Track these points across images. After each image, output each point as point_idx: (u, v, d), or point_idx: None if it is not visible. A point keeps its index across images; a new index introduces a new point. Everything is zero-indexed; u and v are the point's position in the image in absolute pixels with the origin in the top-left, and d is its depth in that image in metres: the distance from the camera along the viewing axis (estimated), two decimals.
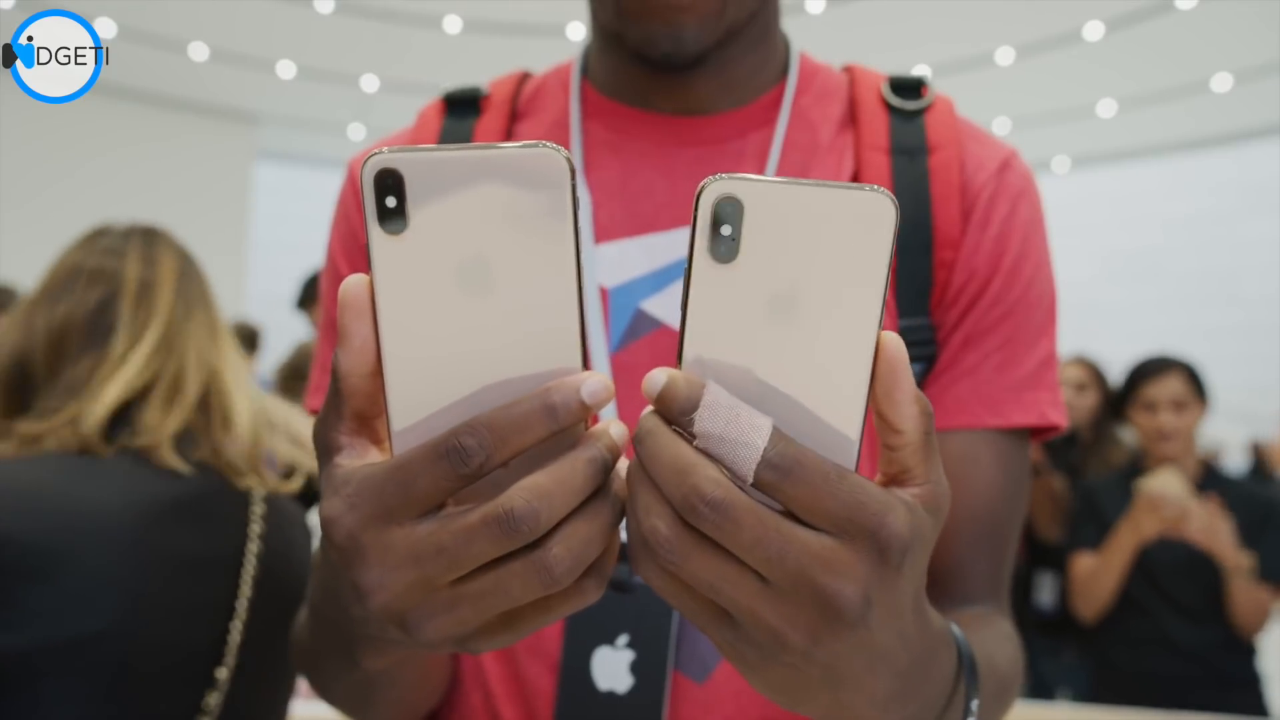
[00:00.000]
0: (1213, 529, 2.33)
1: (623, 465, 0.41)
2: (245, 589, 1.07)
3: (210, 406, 1.13)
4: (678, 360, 0.39)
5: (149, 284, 1.14)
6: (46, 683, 0.94)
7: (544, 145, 0.37)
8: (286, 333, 4.86)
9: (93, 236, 1.18)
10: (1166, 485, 2.36)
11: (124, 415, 1.07)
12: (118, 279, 1.13)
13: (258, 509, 1.11)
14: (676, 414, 0.37)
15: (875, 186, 0.37)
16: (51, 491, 0.97)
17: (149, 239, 1.19)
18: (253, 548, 1.09)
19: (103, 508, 0.98)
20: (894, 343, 0.38)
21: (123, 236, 1.18)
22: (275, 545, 1.12)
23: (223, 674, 1.05)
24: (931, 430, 0.40)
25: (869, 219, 0.37)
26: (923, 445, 0.39)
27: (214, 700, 1.04)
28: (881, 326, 0.38)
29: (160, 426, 1.06)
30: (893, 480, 0.40)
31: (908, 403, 0.39)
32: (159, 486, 1.03)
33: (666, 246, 0.70)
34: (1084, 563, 2.56)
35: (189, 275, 1.19)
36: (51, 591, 0.93)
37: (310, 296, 3.07)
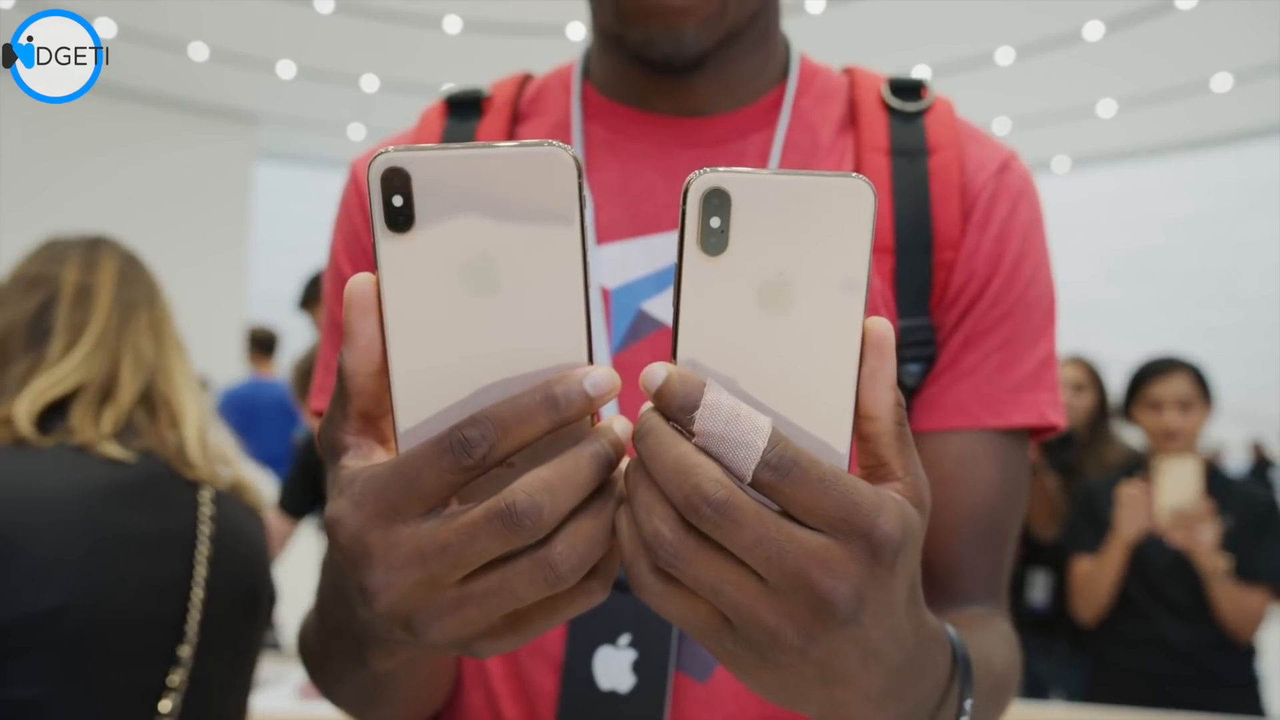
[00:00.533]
0: (1193, 531, 2.34)
1: (626, 463, 0.41)
2: (200, 568, 1.10)
3: (154, 404, 1.16)
4: (672, 354, 0.39)
5: (86, 289, 1.18)
6: (12, 662, 0.97)
7: (551, 144, 0.37)
8: (288, 333, 4.89)
9: (43, 247, 1.22)
10: (1183, 479, 2.36)
11: (58, 413, 1.10)
12: (56, 284, 1.17)
13: (206, 493, 1.14)
14: (676, 411, 0.37)
15: (854, 174, 0.38)
16: None
17: (92, 246, 1.22)
18: (204, 529, 1.12)
19: (48, 491, 1.02)
20: (880, 326, 0.39)
21: (68, 245, 1.21)
22: (227, 527, 1.15)
23: (185, 651, 1.08)
24: (904, 422, 0.40)
25: (849, 205, 0.37)
26: (896, 436, 0.40)
27: (178, 678, 1.07)
28: (866, 311, 0.38)
29: (89, 427, 1.09)
30: (870, 475, 0.40)
31: (885, 389, 0.39)
32: (102, 472, 1.06)
33: (668, 247, 0.70)
34: (1082, 566, 2.56)
35: (130, 279, 1.22)
36: (7, 572, 0.96)
37: (312, 297, 3.07)
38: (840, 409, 0.39)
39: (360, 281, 0.39)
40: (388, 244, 0.38)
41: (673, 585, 0.39)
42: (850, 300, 0.38)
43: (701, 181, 0.37)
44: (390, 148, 0.38)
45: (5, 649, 0.96)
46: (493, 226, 0.38)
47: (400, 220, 0.38)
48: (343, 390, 0.41)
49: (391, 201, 0.38)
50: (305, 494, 2.67)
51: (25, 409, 1.07)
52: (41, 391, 1.09)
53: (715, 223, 0.37)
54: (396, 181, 0.37)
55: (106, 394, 1.13)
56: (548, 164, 0.37)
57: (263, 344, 4.64)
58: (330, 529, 0.40)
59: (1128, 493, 2.42)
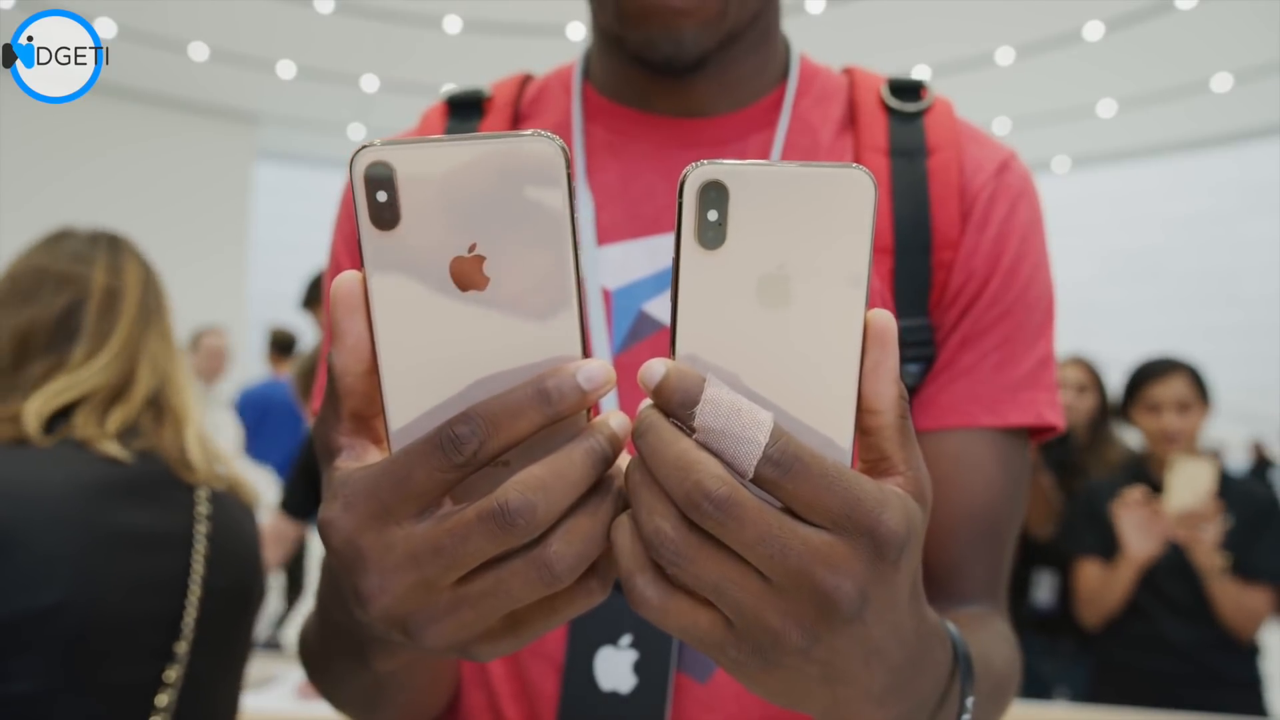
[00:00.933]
0: (1195, 529, 2.34)
1: (624, 460, 0.41)
2: (198, 566, 1.11)
3: (162, 409, 1.18)
4: (670, 350, 0.38)
5: (114, 293, 1.18)
6: (11, 658, 0.97)
7: (537, 134, 0.37)
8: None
9: (56, 239, 1.21)
10: (1195, 480, 2.35)
11: (65, 412, 1.11)
12: (85, 286, 1.17)
13: (202, 492, 1.15)
14: (676, 408, 0.37)
15: (853, 164, 0.37)
16: None
17: (114, 247, 1.22)
18: (201, 528, 1.13)
19: (47, 488, 1.02)
20: (882, 318, 0.38)
21: (89, 242, 1.21)
22: (223, 525, 1.16)
23: (182, 648, 1.08)
24: (908, 415, 0.39)
25: (849, 197, 0.37)
26: (899, 430, 0.39)
27: (174, 674, 1.08)
28: (868, 304, 0.38)
29: (92, 424, 1.10)
30: (872, 469, 0.40)
31: (888, 382, 0.38)
32: (100, 470, 1.07)
33: (669, 249, 0.70)
34: (1091, 572, 2.55)
35: (150, 286, 1.23)
36: (6, 569, 0.97)
37: (315, 297, 3.07)
38: (842, 403, 0.38)
39: (346, 280, 0.38)
40: (374, 240, 0.37)
41: (672, 598, 0.38)
42: (851, 293, 0.37)
43: (698, 174, 0.37)
44: (375, 141, 0.37)
45: (5, 645, 0.97)
46: (480, 219, 0.37)
47: (386, 216, 0.37)
48: (334, 391, 0.40)
49: (376, 197, 0.37)
50: (308, 495, 2.67)
51: (36, 409, 1.07)
52: (57, 393, 1.10)
53: (713, 216, 0.37)
54: (380, 176, 0.37)
55: (117, 396, 1.14)
56: (535, 154, 0.36)
57: (281, 345, 4.75)
58: (323, 532, 0.39)
59: (1133, 512, 2.40)
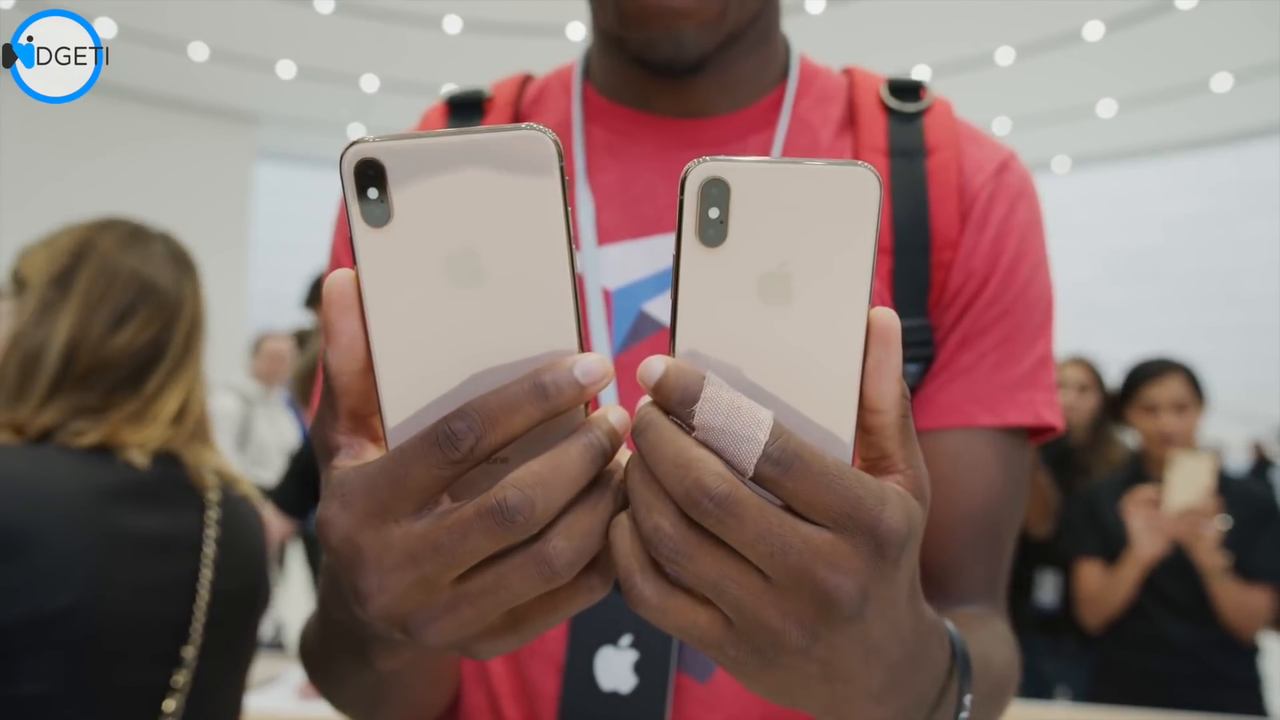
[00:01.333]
0: (1195, 527, 2.34)
1: (623, 455, 0.40)
2: (206, 570, 1.11)
3: (202, 426, 1.19)
4: (670, 348, 0.38)
5: (195, 322, 1.18)
6: (22, 659, 0.97)
7: (529, 127, 0.36)
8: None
9: (139, 238, 1.18)
10: (1194, 476, 2.35)
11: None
12: (177, 315, 1.16)
13: (212, 495, 1.16)
14: (675, 405, 0.37)
15: (858, 162, 0.37)
16: (13, 475, 1.01)
17: (191, 273, 1.21)
18: (210, 532, 1.13)
19: (62, 489, 1.02)
20: (885, 317, 0.38)
21: (171, 258, 1.19)
22: (232, 529, 1.16)
23: (190, 653, 1.08)
24: (909, 414, 0.39)
25: (853, 194, 0.36)
26: (901, 429, 0.39)
27: (182, 679, 1.08)
28: (871, 302, 0.37)
29: (131, 435, 1.10)
30: (872, 467, 0.40)
31: (891, 381, 0.38)
32: (115, 472, 1.07)
33: (669, 249, 0.70)
34: (1092, 574, 2.55)
35: (206, 314, 1.24)
36: (22, 569, 0.97)
37: (318, 296, 3.08)
38: (844, 401, 0.38)
39: (339, 278, 0.38)
40: (366, 238, 0.37)
41: (671, 597, 0.38)
42: (854, 292, 0.37)
43: (700, 171, 0.36)
44: (364, 137, 0.37)
45: (17, 646, 0.96)
46: (473, 215, 0.37)
47: (377, 213, 0.36)
48: (330, 390, 0.40)
49: (367, 194, 0.36)
50: (301, 492, 2.69)
51: (99, 440, 1.08)
52: (129, 432, 1.10)
53: (714, 213, 0.36)
54: (370, 173, 0.36)
55: (170, 419, 1.15)
56: (527, 147, 0.36)
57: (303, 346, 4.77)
58: (321, 531, 0.39)
59: (1144, 513, 2.40)
